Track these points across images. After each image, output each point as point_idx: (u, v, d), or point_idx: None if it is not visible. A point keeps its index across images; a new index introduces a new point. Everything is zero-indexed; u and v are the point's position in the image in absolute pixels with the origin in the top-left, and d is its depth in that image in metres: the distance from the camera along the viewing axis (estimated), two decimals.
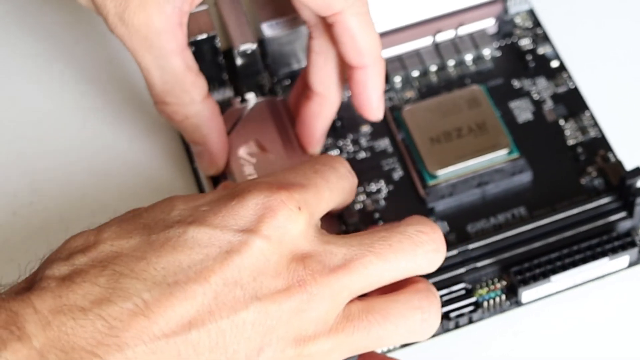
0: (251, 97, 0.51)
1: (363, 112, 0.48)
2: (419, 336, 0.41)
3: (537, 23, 0.56)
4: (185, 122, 0.48)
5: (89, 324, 0.35)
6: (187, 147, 0.53)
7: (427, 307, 0.40)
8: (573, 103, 0.53)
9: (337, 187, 0.42)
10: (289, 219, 0.38)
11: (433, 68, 0.54)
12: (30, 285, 0.37)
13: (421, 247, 0.40)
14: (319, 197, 0.41)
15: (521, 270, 0.47)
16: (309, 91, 0.49)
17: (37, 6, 0.59)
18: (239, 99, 0.52)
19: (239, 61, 0.53)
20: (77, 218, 0.51)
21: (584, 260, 0.47)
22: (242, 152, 0.49)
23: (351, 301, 0.40)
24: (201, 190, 0.52)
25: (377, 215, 0.50)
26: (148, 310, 0.35)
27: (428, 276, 0.45)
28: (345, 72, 0.48)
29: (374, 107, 0.48)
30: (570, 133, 0.52)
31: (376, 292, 0.41)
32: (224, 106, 0.51)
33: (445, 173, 0.50)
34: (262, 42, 0.53)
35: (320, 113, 0.49)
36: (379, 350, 0.45)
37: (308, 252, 0.39)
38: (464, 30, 0.55)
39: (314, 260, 0.38)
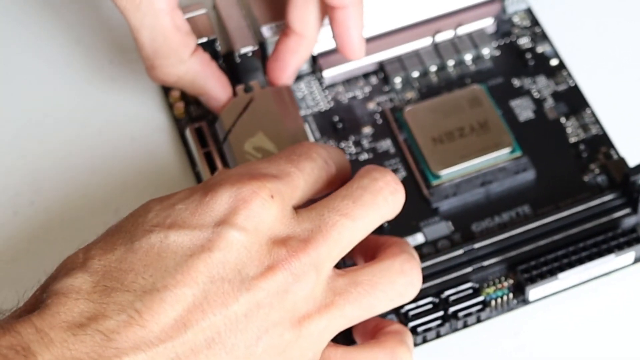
0: (256, 86, 0.51)
1: (345, 52, 0.50)
2: (405, 299, 0.42)
3: (535, 22, 0.56)
4: (180, 81, 0.49)
5: (89, 339, 0.35)
6: (187, 147, 0.53)
7: (409, 270, 0.42)
8: (573, 101, 0.53)
9: (313, 176, 0.43)
10: (263, 207, 0.39)
11: (433, 68, 0.54)
12: (30, 309, 0.38)
13: (380, 195, 0.42)
14: (293, 186, 0.41)
15: (528, 268, 0.47)
16: (287, 29, 0.50)
17: (36, 8, 0.59)
18: (242, 87, 0.51)
19: (239, 64, 0.53)
20: (78, 218, 0.51)
21: (590, 257, 0.47)
22: (248, 146, 0.49)
23: (335, 275, 0.41)
24: None
25: None
26: (142, 319, 0.36)
27: (431, 278, 0.45)
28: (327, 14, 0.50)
29: (355, 46, 0.50)
30: (572, 131, 0.52)
31: (352, 257, 0.44)
32: None
33: (449, 173, 0.50)
34: (262, 44, 0.53)
35: (296, 51, 0.51)
36: None
37: (287, 235, 0.40)
38: (462, 30, 0.55)
39: (294, 241, 0.39)
